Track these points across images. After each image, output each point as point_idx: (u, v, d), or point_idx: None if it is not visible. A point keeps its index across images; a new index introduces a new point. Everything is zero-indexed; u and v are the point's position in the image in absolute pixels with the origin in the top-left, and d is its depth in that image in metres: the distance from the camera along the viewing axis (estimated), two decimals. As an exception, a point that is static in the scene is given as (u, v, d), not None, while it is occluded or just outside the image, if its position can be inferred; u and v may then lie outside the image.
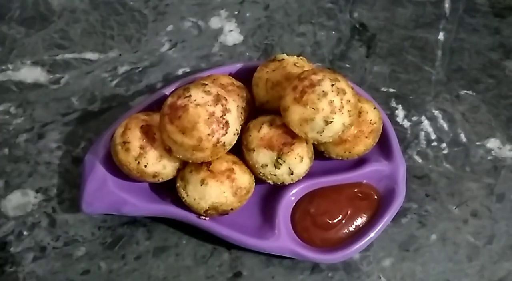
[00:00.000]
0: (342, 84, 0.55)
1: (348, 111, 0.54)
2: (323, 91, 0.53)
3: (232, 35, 0.76)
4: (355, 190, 0.61)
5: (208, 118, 0.52)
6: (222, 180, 0.55)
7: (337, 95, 0.54)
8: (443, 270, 0.60)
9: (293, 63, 0.61)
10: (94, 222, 0.61)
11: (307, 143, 0.58)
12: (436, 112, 0.70)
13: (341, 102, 0.54)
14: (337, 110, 0.53)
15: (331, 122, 0.53)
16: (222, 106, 0.53)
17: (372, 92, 0.69)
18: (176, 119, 0.52)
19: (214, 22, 0.77)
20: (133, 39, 0.74)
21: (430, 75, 0.73)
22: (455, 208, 0.63)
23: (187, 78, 0.64)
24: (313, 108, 0.53)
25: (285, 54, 0.63)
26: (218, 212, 0.56)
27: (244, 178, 0.56)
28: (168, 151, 0.55)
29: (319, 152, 0.60)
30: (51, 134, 0.66)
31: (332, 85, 0.54)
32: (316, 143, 0.57)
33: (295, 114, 0.54)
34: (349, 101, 0.54)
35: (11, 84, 0.70)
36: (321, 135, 0.55)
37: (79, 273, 0.58)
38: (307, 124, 0.54)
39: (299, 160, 0.57)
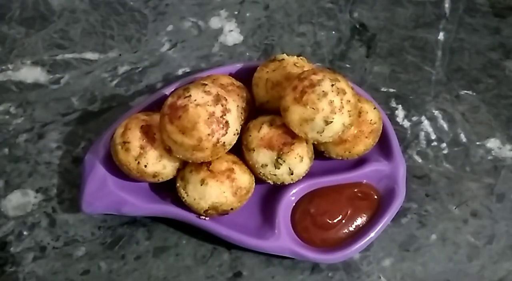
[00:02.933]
0: (342, 84, 0.55)
1: (348, 111, 0.54)
2: (323, 91, 0.53)
3: (232, 35, 0.76)
4: (355, 190, 0.61)
5: (208, 118, 0.52)
6: (222, 180, 0.55)
7: (337, 95, 0.54)
8: (443, 270, 0.60)
9: (293, 63, 0.61)
10: (94, 222, 0.61)
11: (307, 143, 0.58)
12: (436, 112, 0.70)
13: (341, 102, 0.54)
14: (337, 110, 0.53)
15: (331, 122, 0.53)
16: (222, 106, 0.53)
17: (372, 92, 0.69)
18: (176, 119, 0.52)
19: (214, 22, 0.77)
20: (133, 39, 0.74)
21: (430, 75, 0.73)
22: (455, 208, 0.63)
23: (187, 78, 0.64)
24: (313, 108, 0.53)
25: (285, 54, 0.63)
26: (218, 212, 0.56)
27: (244, 178, 0.56)
28: (168, 151, 0.55)
29: (319, 152, 0.60)
30: (51, 134, 0.66)
31: (332, 85, 0.54)
32: (316, 143, 0.57)
33: (295, 114, 0.54)
34: (349, 101, 0.54)
35: (11, 84, 0.70)
36: (321, 135, 0.55)
37: (79, 273, 0.58)
38: (307, 124, 0.54)
39: (299, 160, 0.57)
